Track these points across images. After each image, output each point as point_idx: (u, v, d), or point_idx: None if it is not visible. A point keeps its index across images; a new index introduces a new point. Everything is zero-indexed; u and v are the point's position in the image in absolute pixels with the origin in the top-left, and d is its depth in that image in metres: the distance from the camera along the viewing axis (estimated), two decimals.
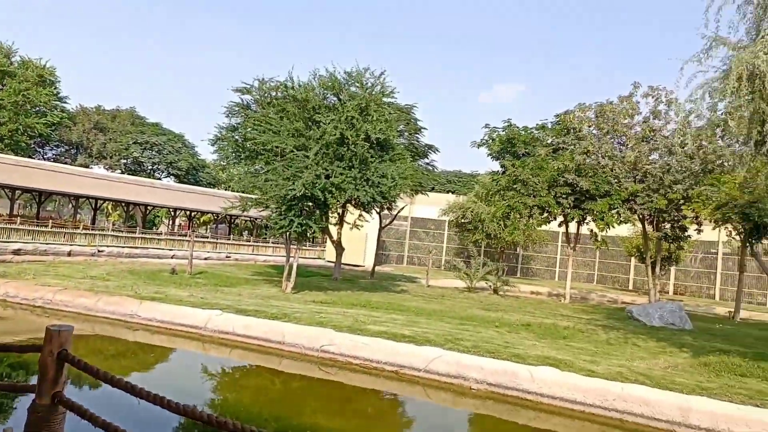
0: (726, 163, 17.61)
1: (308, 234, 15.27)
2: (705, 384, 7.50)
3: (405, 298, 15.28)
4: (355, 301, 13.31)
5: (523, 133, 20.59)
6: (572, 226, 19.84)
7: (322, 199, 13.91)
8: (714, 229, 17.52)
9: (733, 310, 17.48)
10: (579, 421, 6.63)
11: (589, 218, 18.71)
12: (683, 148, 17.74)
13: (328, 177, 13.97)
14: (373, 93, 15.11)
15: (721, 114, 9.94)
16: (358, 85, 15.24)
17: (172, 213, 36.74)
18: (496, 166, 21.79)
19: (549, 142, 20.01)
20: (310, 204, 14.37)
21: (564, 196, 18.11)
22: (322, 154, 14.06)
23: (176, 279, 15.54)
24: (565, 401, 6.70)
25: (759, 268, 18.29)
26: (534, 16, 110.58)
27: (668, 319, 13.43)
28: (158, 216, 42.24)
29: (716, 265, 26.80)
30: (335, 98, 15.39)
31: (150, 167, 50.50)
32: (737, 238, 16.39)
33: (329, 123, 14.03)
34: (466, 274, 20.86)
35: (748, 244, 15.84)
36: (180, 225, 40.80)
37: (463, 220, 31.19)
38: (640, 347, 10.31)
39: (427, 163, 21.86)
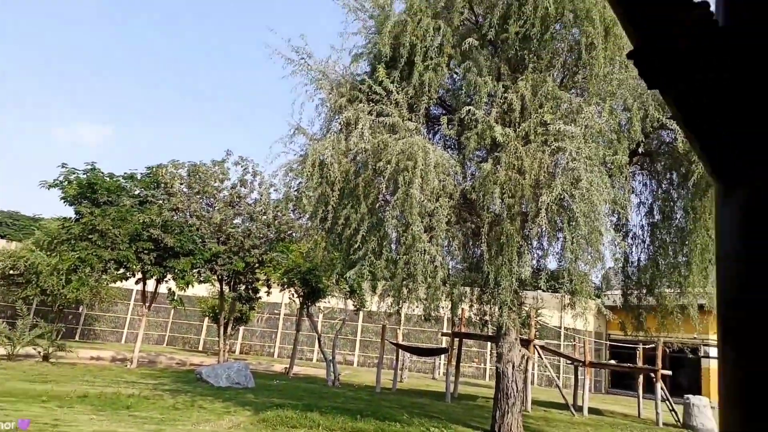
0: (294, 234, 20.28)
1: None
2: None
3: None
4: None
5: (108, 179, 18.74)
6: (150, 284, 18.85)
7: None
8: (280, 291, 19.59)
9: (288, 366, 19.62)
10: None
11: (169, 276, 18.15)
12: (263, 216, 19.59)
13: None
14: None
15: (296, 191, 11.28)
16: None
17: None
18: (69, 211, 19.04)
19: (137, 193, 18.86)
20: None
21: (146, 251, 17.13)
22: None
23: None
24: None
25: (311, 327, 21.25)
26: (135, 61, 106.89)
27: (234, 378, 13.91)
28: None
29: (278, 325, 30.00)
30: None
31: None
32: (297, 300, 18.74)
33: None
34: (7, 338, 16.88)
35: (305, 306, 18.29)
36: None
37: (12, 272, 25.55)
38: (206, 409, 10.21)
39: None
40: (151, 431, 7.66)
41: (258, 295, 20.55)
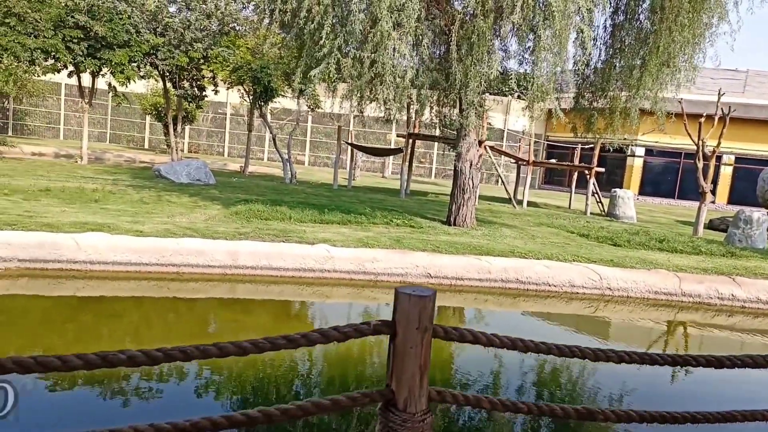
0: (239, 27, 18.87)
1: None
2: (242, 230, 8.35)
3: None
4: None
5: None
6: (85, 79, 17.60)
7: None
8: (227, 89, 18.86)
9: (243, 165, 19.86)
10: (136, 281, 6.34)
11: (105, 70, 16.92)
12: (202, 4, 17.88)
13: None
14: None
15: None
16: None
17: None
18: None
19: None
20: None
21: (75, 40, 15.60)
22: None
23: None
24: (120, 264, 6.22)
25: (264, 127, 21.06)
26: None
27: (195, 175, 14.08)
28: None
29: (225, 125, 29.48)
30: None
31: None
32: (248, 99, 18.21)
33: None
34: None
35: (257, 106, 17.87)
36: None
37: None
38: (175, 203, 10.51)
39: None
40: (131, 222, 7.92)
41: (204, 93, 19.75)
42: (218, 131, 29.72)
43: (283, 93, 18.15)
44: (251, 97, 17.90)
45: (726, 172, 25.62)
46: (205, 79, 19.07)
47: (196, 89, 19.44)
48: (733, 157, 25.13)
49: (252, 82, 16.84)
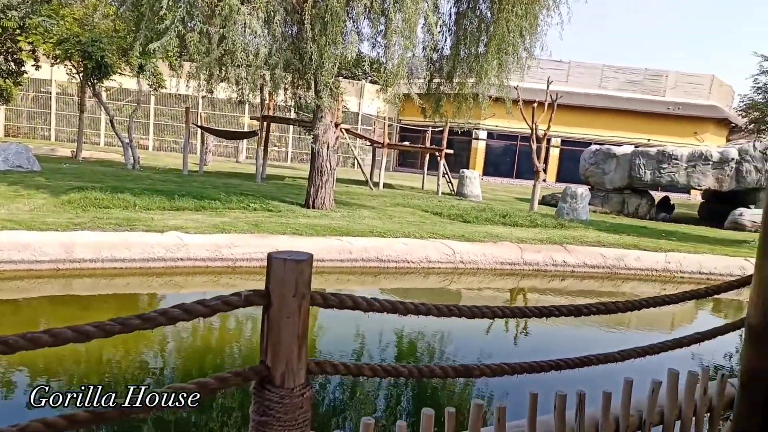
0: None
1: None
2: (77, 220, 7.49)
3: None
4: None
5: None
6: None
7: None
8: (51, 65, 16.63)
9: (75, 149, 17.74)
10: None
11: None
12: None
13: None
14: None
15: None
16: None
17: None
18: None
19: None
20: None
21: None
22: None
23: None
24: None
25: (101, 108, 18.99)
26: None
27: (14, 161, 12.31)
28: None
29: (50, 105, 26.00)
30: None
31: None
32: (77, 77, 16.22)
33: None
34: None
35: (89, 84, 15.99)
36: None
37: None
38: None
39: None
40: None
41: (23, 69, 17.21)
42: (42, 112, 26.17)
43: (120, 70, 16.47)
44: (81, 75, 15.99)
45: (554, 153, 28.70)
46: (24, 53, 16.63)
47: (12, 64, 16.88)
48: (559, 140, 28.22)
49: (81, 57, 15.01)
